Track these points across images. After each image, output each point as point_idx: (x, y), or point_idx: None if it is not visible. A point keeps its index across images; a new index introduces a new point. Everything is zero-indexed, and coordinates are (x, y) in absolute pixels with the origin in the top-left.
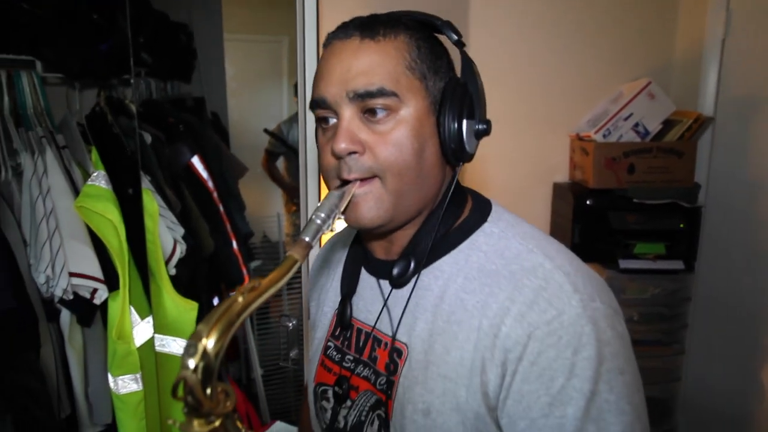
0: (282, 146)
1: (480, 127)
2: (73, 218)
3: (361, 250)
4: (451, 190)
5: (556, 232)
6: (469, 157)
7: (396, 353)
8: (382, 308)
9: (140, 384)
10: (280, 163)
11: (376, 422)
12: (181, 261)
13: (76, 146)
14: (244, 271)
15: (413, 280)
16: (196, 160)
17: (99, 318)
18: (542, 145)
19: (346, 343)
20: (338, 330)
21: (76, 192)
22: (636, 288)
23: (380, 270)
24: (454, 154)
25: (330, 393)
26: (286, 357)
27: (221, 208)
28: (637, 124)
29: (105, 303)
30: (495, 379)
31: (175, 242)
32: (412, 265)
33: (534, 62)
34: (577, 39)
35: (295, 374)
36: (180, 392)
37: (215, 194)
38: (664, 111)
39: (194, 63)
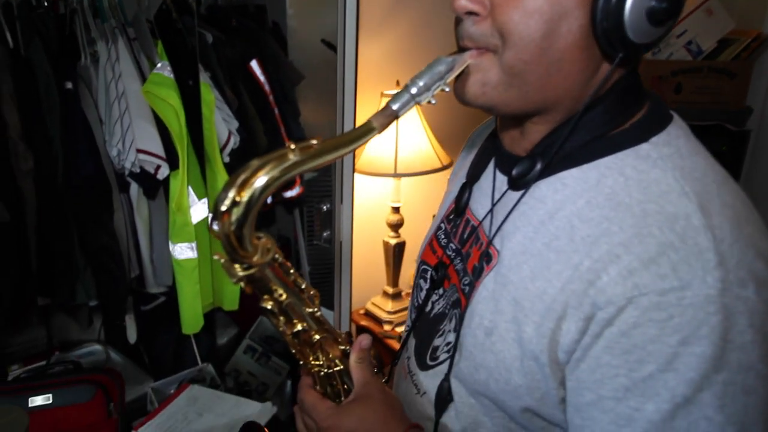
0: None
1: (657, 3)
2: (140, 101)
3: (498, 139)
4: (606, 87)
5: None
6: (634, 48)
7: (486, 258)
8: (491, 208)
9: (195, 252)
10: None
11: (454, 321)
12: (234, 151)
13: (145, 39)
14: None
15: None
16: (254, 64)
17: (162, 193)
18: None
19: (455, 230)
20: (453, 215)
21: (144, 79)
22: None
23: (505, 164)
24: (607, 36)
25: (428, 275)
26: (319, 237)
27: (276, 111)
28: (690, 42)
29: (167, 180)
30: (573, 333)
31: (230, 133)
32: (537, 167)
33: None
34: None
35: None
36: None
37: (271, 97)
38: (722, 29)
39: None
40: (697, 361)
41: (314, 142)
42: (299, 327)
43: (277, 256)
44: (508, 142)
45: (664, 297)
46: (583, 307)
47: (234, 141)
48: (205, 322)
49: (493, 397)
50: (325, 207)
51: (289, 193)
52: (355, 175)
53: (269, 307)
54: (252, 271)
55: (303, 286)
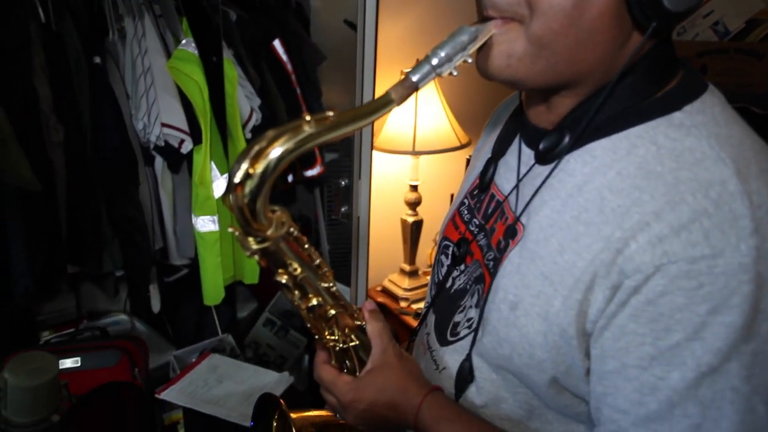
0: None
1: None
2: (165, 77)
3: (523, 113)
4: (637, 58)
5: None
6: (668, 17)
7: (511, 233)
8: (517, 182)
9: (217, 225)
10: None
11: (475, 297)
12: (256, 128)
13: (170, 16)
14: (317, 152)
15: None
16: (277, 44)
17: (185, 167)
18: None
19: (478, 206)
20: (476, 190)
21: (169, 54)
22: None
23: (532, 138)
24: (641, 4)
25: (450, 250)
26: (338, 212)
27: (298, 91)
28: (716, 23)
29: (190, 154)
30: (600, 303)
31: (252, 110)
32: (565, 141)
33: None
34: None
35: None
36: (228, 203)
37: (293, 77)
38: (750, 8)
39: None
40: (725, 330)
41: (330, 114)
42: (314, 302)
43: (292, 229)
44: (534, 116)
45: (695, 265)
46: (611, 276)
47: (256, 118)
48: (226, 295)
49: (517, 371)
50: (343, 182)
51: (310, 172)
52: (375, 153)
53: (284, 281)
54: (266, 244)
55: (318, 262)
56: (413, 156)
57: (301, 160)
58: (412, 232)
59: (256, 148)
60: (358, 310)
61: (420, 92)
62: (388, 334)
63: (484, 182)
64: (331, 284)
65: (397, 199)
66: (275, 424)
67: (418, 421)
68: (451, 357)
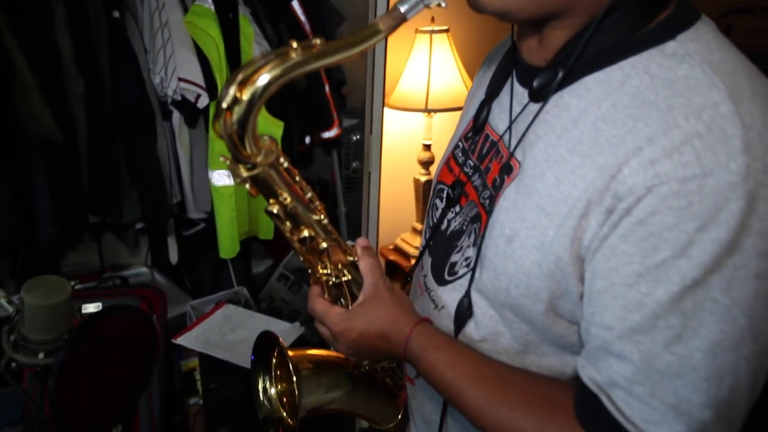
0: None
1: None
2: (182, 31)
3: (516, 53)
4: None
5: None
6: None
7: (506, 170)
8: (511, 121)
9: (232, 180)
10: None
11: (472, 236)
12: None
13: None
14: (335, 114)
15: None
16: (296, 4)
17: (202, 122)
18: None
19: (473, 147)
20: (470, 133)
21: (186, 10)
22: None
23: (525, 76)
24: None
25: (444, 193)
26: (348, 166)
27: None
28: None
29: (207, 109)
30: (594, 228)
31: None
32: (559, 76)
33: None
34: None
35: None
36: (218, 129)
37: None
38: None
39: None
40: (711, 246)
41: (317, 42)
42: (305, 233)
43: (282, 160)
44: (527, 53)
45: (685, 185)
46: (605, 201)
47: None
48: (241, 250)
49: (515, 303)
50: (355, 137)
51: (327, 134)
52: (388, 111)
53: (275, 211)
54: (256, 171)
55: (309, 195)
56: (426, 114)
57: (319, 122)
58: (425, 191)
59: (244, 73)
60: (350, 247)
61: (433, 49)
62: (379, 270)
63: (478, 124)
64: (322, 217)
65: (410, 158)
66: (274, 360)
67: (407, 349)
68: (450, 295)
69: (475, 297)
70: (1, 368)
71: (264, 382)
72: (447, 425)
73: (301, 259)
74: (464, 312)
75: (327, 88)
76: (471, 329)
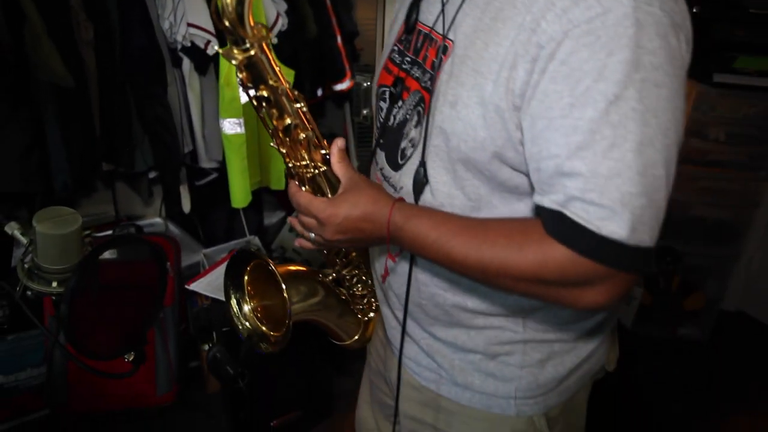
0: None
1: None
2: None
3: None
4: None
5: None
6: None
7: (443, 50)
8: (442, 8)
9: (243, 128)
10: None
11: (415, 117)
12: (282, 33)
13: None
14: (347, 66)
15: None
16: None
17: (212, 70)
18: None
19: (408, 46)
20: (404, 36)
21: None
22: (728, 105)
23: None
24: None
25: (387, 93)
26: (358, 113)
27: (328, 2)
28: None
29: (217, 57)
30: (523, 76)
31: (278, 14)
32: None
33: None
34: None
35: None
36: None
37: None
38: None
39: None
40: (620, 65)
41: None
42: (289, 121)
43: (270, 41)
44: None
45: (592, 24)
46: (530, 51)
47: (282, 23)
48: (253, 201)
49: (465, 157)
50: (365, 84)
51: (339, 86)
52: None
53: (266, 94)
54: (250, 52)
55: (290, 86)
56: None
57: (331, 74)
58: None
59: None
60: (324, 141)
61: None
62: (352, 167)
63: (410, 24)
64: (302, 104)
65: None
66: (246, 278)
67: (390, 224)
68: (406, 174)
69: (429, 165)
70: (17, 295)
71: (239, 303)
72: (414, 283)
73: (284, 151)
74: (421, 179)
75: (339, 38)
76: (428, 197)
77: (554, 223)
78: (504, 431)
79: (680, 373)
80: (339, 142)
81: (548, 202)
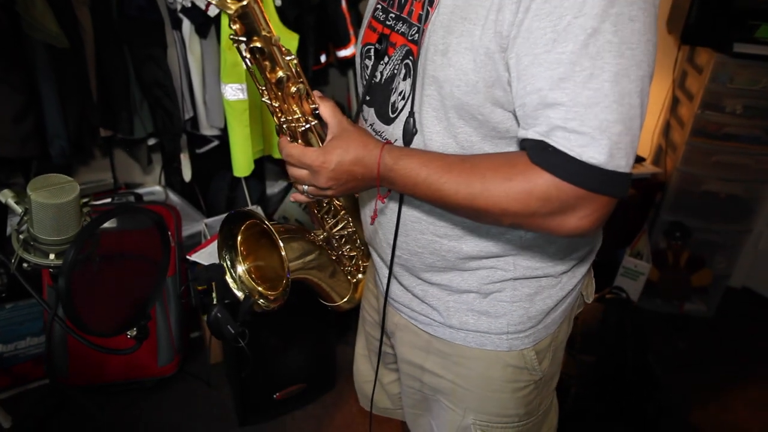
0: None
1: None
2: None
3: None
4: None
5: (673, 8)
6: None
7: (429, 3)
8: None
9: (245, 95)
10: None
11: (404, 71)
12: None
13: None
14: (351, 31)
15: None
16: None
17: (213, 33)
18: None
19: (391, 2)
20: None
21: None
22: (747, 77)
23: None
24: None
25: (372, 51)
26: None
27: None
28: None
29: (218, 19)
30: (509, 17)
31: None
32: None
33: None
34: None
35: None
36: None
37: None
38: None
39: None
40: (598, 1)
41: None
42: (281, 74)
43: None
44: None
45: None
46: None
47: None
48: (256, 170)
49: (458, 103)
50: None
51: (343, 53)
52: None
53: (259, 45)
54: (244, 1)
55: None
56: None
57: (335, 39)
58: None
59: None
60: (314, 93)
61: None
62: (340, 111)
63: None
64: (293, 57)
65: None
66: (240, 237)
67: (381, 166)
68: (399, 126)
69: (423, 116)
70: (12, 267)
71: (233, 266)
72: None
73: (276, 105)
74: (410, 129)
75: (343, 2)
76: (421, 147)
77: (538, 153)
78: (497, 367)
79: (686, 347)
80: (318, 93)
81: (533, 133)
